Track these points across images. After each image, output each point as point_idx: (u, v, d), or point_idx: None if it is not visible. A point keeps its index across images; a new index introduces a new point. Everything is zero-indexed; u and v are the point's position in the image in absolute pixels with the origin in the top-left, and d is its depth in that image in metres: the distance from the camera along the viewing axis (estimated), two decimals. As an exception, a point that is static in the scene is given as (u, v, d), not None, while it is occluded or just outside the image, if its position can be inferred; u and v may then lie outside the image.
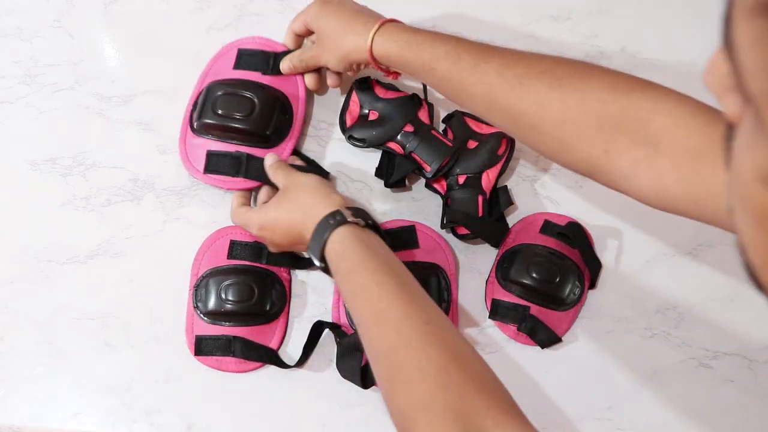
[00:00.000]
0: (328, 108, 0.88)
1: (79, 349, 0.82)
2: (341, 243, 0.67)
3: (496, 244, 0.84)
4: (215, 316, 0.81)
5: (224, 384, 0.81)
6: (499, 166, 0.82)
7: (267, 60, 0.85)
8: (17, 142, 0.88)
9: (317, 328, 0.81)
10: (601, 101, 0.59)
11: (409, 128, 0.82)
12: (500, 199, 0.84)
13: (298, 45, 0.85)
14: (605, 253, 0.85)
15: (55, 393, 0.81)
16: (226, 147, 0.83)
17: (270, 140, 0.84)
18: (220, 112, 0.82)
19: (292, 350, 0.83)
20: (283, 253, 0.82)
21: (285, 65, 0.83)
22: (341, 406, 0.80)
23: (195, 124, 0.84)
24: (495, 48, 0.68)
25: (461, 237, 0.83)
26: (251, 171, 0.82)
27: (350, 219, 0.68)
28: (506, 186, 0.85)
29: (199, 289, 0.82)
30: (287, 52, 0.86)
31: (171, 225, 0.86)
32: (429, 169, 0.81)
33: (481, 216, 0.82)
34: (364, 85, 0.85)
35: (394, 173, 0.83)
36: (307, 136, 0.88)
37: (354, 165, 0.87)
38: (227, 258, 0.82)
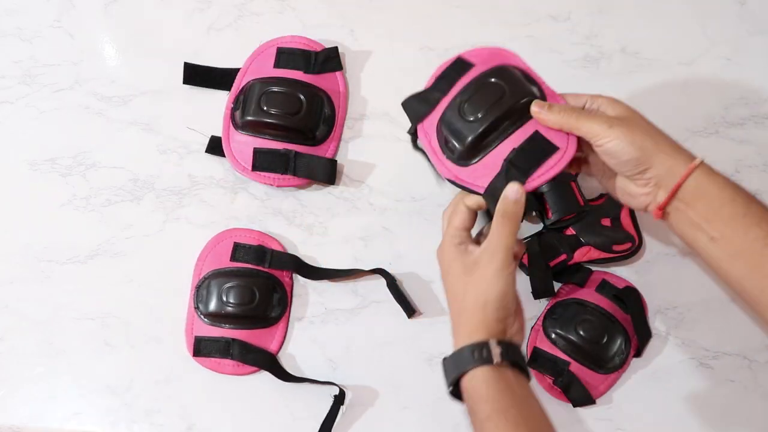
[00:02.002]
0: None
1: (79, 349, 0.82)
2: (484, 384, 0.60)
3: (535, 293, 0.81)
4: (215, 317, 0.81)
5: (225, 384, 0.81)
6: (607, 256, 0.82)
7: (308, 59, 0.86)
8: (17, 142, 0.88)
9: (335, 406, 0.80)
10: None
11: None
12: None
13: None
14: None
15: (55, 393, 0.81)
16: (273, 144, 0.83)
17: (316, 139, 0.85)
18: (265, 108, 0.82)
19: (291, 352, 0.83)
20: (287, 258, 0.82)
21: (554, 115, 0.65)
22: (342, 406, 0.80)
23: (239, 122, 0.84)
24: None
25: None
26: (300, 168, 0.83)
27: (496, 360, 0.60)
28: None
29: (200, 289, 0.82)
30: (327, 50, 0.86)
31: (171, 225, 0.86)
32: (550, 217, 0.80)
33: (549, 265, 0.81)
34: None
35: None
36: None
37: (361, 161, 0.87)
38: (230, 260, 0.82)
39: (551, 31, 0.90)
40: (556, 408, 0.81)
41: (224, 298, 0.80)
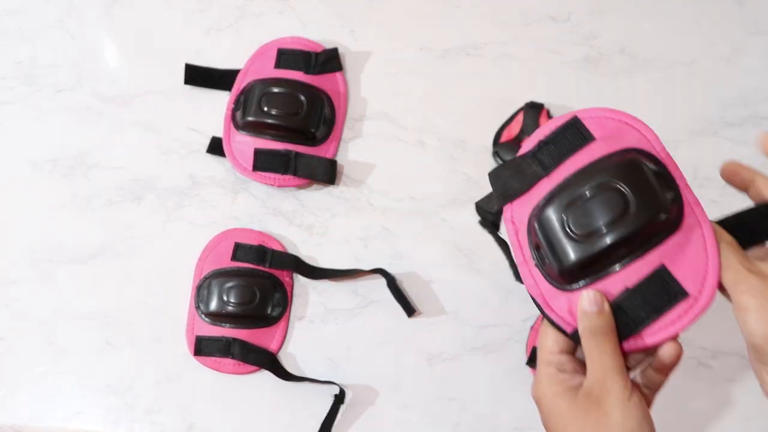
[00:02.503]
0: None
1: (80, 348, 0.83)
2: None
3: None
4: (216, 317, 0.81)
5: (225, 384, 0.82)
6: None
7: (308, 59, 0.86)
8: (19, 143, 0.88)
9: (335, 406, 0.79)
10: None
11: None
12: None
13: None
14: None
15: (56, 392, 0.82)
16: (273, 144, 0.84)
17: (316, 139, 0.85)
18: (266, 109, 0.83)
19: (291, 352, 0.83)
20: (287, 258, 0.83)
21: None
22: (342, 405, 0.80)
23: (240, 122, 0.84)
24: None
25: None
26: (300, 168, 0.84)
27: None
28: None
29: (201, 289, 0.82)
30: (327, 50, 0.87)
31: (172, 225, 0.86)
32: None
33: None
34: (534, 110, 0.84)
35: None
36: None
37: (361, 161, 0.87)
38: (231, 260, 0.82)
39: (551, 32, 0.90)
40: (556, 407, 0.81)
41: (225, 298, 0.80)
